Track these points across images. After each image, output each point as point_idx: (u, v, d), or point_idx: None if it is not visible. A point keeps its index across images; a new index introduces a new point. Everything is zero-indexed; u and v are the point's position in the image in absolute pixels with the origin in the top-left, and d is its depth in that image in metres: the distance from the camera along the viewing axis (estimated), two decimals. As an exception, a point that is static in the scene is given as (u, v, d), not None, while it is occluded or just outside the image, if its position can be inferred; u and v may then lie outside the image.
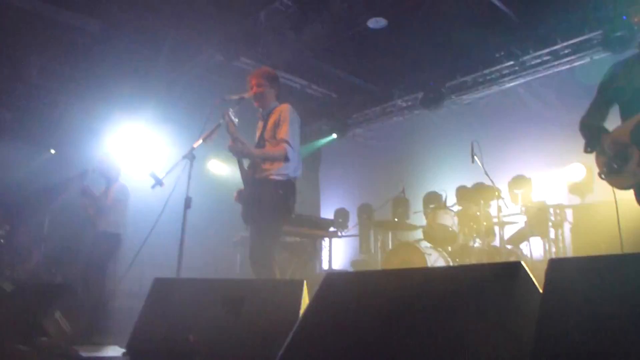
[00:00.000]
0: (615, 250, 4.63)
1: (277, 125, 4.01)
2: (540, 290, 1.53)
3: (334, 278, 2.19)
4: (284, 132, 3.93)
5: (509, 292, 1.54)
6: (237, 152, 3.89)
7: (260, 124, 4.28)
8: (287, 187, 3.96)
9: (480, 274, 1.73)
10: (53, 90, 8.41)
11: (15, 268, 6.81)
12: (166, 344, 2.69)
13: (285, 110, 4.06)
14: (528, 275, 1.57)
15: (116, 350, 3.84)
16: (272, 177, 3.93)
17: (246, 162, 4.13)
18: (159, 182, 3.86)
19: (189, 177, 3.83)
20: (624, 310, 1.33)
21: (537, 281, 1.63)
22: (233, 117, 3.92)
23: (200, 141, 3.93)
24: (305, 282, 2.68)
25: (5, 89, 8.15)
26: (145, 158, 7.96)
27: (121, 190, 5.91)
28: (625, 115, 3.05)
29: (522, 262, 1.56)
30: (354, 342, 1.88)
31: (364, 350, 1.84)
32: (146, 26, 7.29)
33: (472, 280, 1.71)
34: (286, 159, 3.89)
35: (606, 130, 3.12)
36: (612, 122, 3.16)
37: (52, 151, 7.83)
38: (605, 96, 3.19)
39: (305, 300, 2.46)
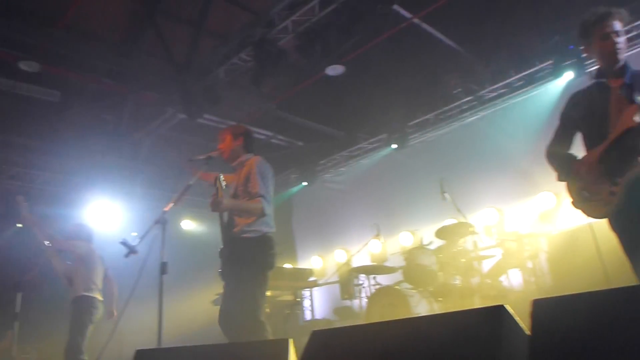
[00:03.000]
0: (598, 274, 4.59)
1: (247, 179, 3.95)
2: (525, 331, 1.55)
3: (320, 335, 2.17)
4: (257, 186, 3.85)
5: (495, 336, 1.55)
6: (217, 207, 3.74)
7: (234, 178, 4.26)
8: (264, 242, 3.88)
9: (466, 320, 1.73)
10: (17, 163, 8.32)
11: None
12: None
13: (255, 163, 4.00)
14: (512, 317, 1.58)
15: None
16: (245, 235, 3.85)
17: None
18: (132, 250, 3.77)
19: (163, 242, 3.77)
20: (611, 345, 1.35)
21: (521, 318, 1.64)
22: (223, 184, 3.79)
23: (172, 204, 3.88)
24: (291, 340, 2.62)
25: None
26: (117, 226, 7.82)
27: (87, 249, 5.67)
28: (589, 144, 3.05)
29: (505, 305, 1.58)
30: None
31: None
32: (105, 92, 7.35)
33: (457, 327, 1.72)
34: (263, 213, 3.80)
35: (575, 158, 3.08)
36: (576, 150, 3.20)
37: (19, 225, 7.61)
38: (568, 125, 3.20)
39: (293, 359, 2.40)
